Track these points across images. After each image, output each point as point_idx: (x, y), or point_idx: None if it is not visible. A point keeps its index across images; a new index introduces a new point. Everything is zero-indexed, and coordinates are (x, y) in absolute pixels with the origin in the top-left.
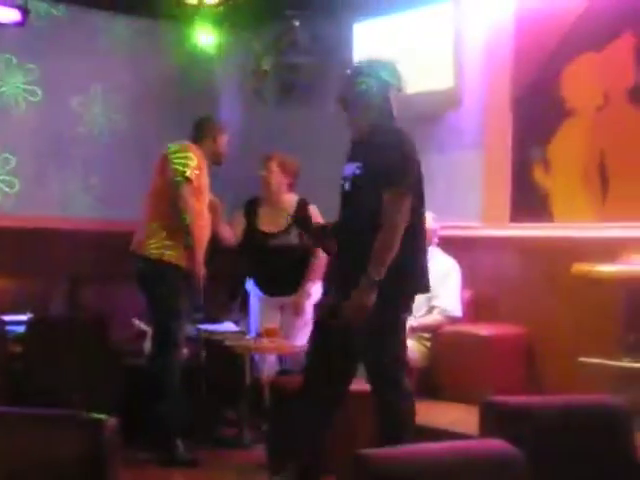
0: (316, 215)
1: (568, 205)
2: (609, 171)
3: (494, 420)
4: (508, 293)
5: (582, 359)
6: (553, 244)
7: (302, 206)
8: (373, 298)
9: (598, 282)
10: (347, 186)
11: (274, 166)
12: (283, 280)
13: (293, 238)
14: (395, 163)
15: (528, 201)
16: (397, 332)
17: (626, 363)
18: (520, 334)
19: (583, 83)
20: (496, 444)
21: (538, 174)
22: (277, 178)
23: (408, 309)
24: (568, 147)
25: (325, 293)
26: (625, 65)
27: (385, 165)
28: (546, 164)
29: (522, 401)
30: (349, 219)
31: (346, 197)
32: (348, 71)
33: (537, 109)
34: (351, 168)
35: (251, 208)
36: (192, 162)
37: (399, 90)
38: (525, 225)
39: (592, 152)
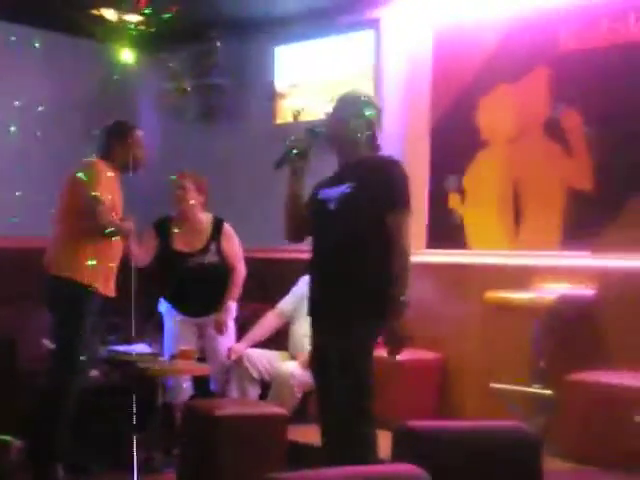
0: (230, 234)
1: (482, 233)
2: (522, 201)
3: (406, 445)
4: (423, 318)
5: (494, 385)
6: (467, 271)
7: (217, 224)
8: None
9: (510, 309)
10: (332, 205)
11: (190, 184)
12: (202, 300)
13: (211, 256)
14: (398, 183)
15: (444, 229)
16: (371, 359)
17: (536, 389)
18: (434, 359)
19: (498, 114)
20: (407, 468)
21: (454, 202)
22: (193, 196)
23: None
24: (483, 177)
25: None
26: (539, 98)
27: (387, 185)
28: (462, 193)
29: (434, 426)
30: (339, 238)
31: (330, 217)
32: (331, 110)
33: (454, 139)
34: (339, 189)
35: (164, 227)
36: (100, 181)
37: (380, 125)
38: (440, 252)
39: (506, 182)
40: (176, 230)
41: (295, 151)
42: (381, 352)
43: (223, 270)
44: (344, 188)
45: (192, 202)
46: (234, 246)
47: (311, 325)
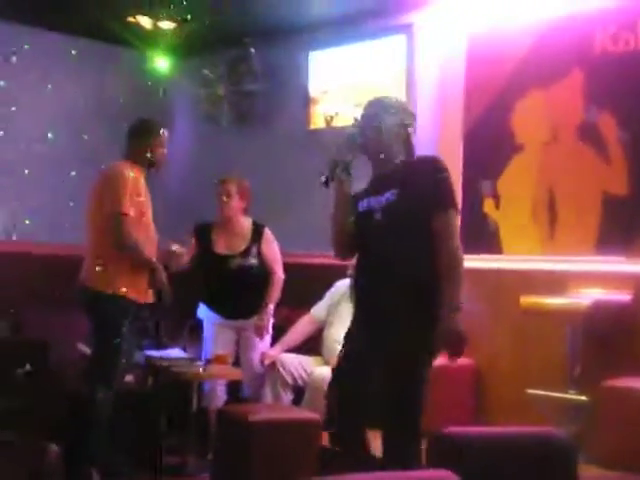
0: (270, 239)
1: (517, 238)
2: (558, 206)
3: (441, 451)
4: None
5: (529, 391)
6: (502, 276)
7: (257, 229)
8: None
9: (545, 314)
10: (378, 216)
11: (233, 190)
12: (243, 302)
13: (252, 259)
14: (442, 183)
15: (478, 234)
16: (428, 369)
17: (571, 395)
18: (468, 365)
19: (532, 118)
20: (443, 475)
21: (488, 207)
22: (236, 202)
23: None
24: (518, 181)
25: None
26: (574, 101)
27: (432, 186)
28: (496, 198)
29: (469, 433)
30: (389, 248)
31: (378, 227)
32: (363, 117)
33: (488, 143)
34: (383, 197)
35: (204, 232)
36: (125, 190)
37: (414, 129)
38: (475, 257)
39: (541, 187)
40: (216, 235)
41: (341, 165)
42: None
43: (263, 273)
44: (388, 196)
45: (233, 207)
46: (274, 250)
47: (358, 336)
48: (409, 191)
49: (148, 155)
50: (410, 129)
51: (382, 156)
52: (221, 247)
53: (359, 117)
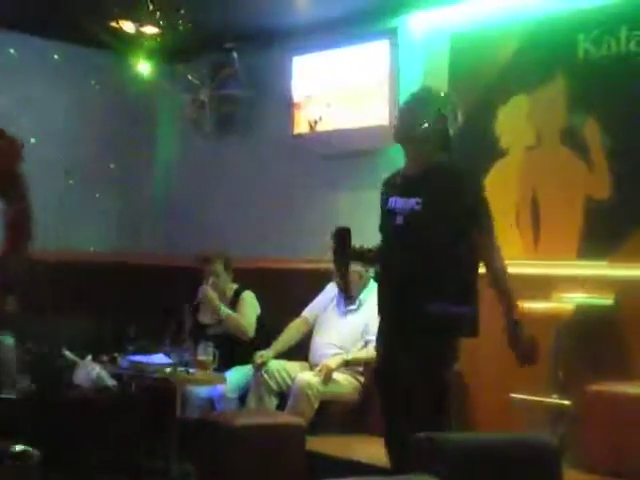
0: (245, 302)
1: (500, 243)
2: (541, 210)
3: (424, 456)
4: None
5: (513, 395)
6: (485, 280)
7: (237, 294)
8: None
9: (528, 319)
10: (400, 220)
11: (220, 269)
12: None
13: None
14: (478, 199)
15: None
16: (450, 375)
17: (555, 400)
18: (453, 370)
19: (516, 123)
20: None
21: None
22: (224, 279)
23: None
24: (501, 186)
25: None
26: (557, 107)
27: (469, 205)
28: None
29: (452, 437)
30: (406, 256)
31: (398, 232)
32: (409, 105)
33: (471, 148)
34: (409, 203)
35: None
36: None
37: (458, 125)
38: None
39: (524, 191)
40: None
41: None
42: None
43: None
44: (413, 204)
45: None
46: (243, 312)
47: (383, 340)
48: (435, 203)
49: None
50: (450, 123)
51: (415, 150)
52: (203, 316)
53: (402, 108)
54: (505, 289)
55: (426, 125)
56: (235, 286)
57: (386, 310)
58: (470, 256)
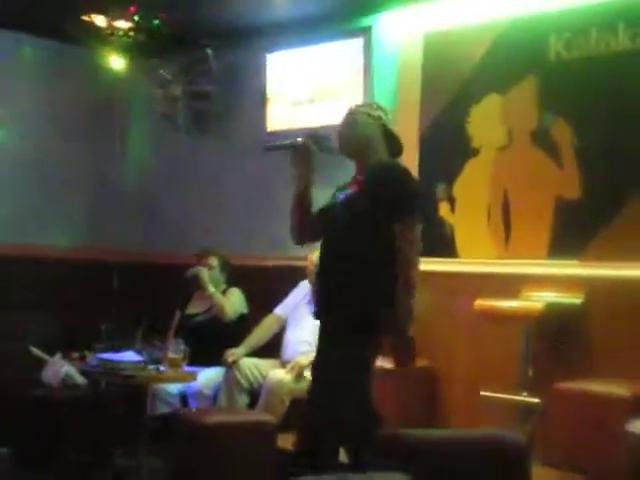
0: (238, 295)
1: (472, 242)
2: (512, 210)
3: (393, 452)
4: (413, 327)
5: (483, 393)
6: (456, 279)
7: (227, 289)
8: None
9: (499, 317)
10: (337, 210)
11: (215, 262)
12: (198, 353)
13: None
14: (406, 192)
15: (433, 237)
16: (367, 374)
17: (524, 397)
18: (424, 367)
19: (488, 123)
20: (394, 477)
21: (443, 211)
22: (216, 272)
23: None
24: (473, 185)
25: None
26: (528, 107)
27: (396, 193)
28: (451, 201)
29: (421, 434)
30: (339, 245)
31: (335, 222)
32: (346, 119)
33: (443, 147)
34: (345, 194)
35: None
36: None
37: (392, 128)
38: (430, 260)
39: (496, 191)
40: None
41: (298, 146)
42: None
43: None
44: (348, 194)
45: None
46: (230, 298)
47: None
48: (366, 192)
49: None
50: (387, 127)
51: (359, 157)
52: (192, 307)
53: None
54: (404, 286)
55: (359, 135)
56: (225, 285)
57: (320, 303)
58: (391, 253)
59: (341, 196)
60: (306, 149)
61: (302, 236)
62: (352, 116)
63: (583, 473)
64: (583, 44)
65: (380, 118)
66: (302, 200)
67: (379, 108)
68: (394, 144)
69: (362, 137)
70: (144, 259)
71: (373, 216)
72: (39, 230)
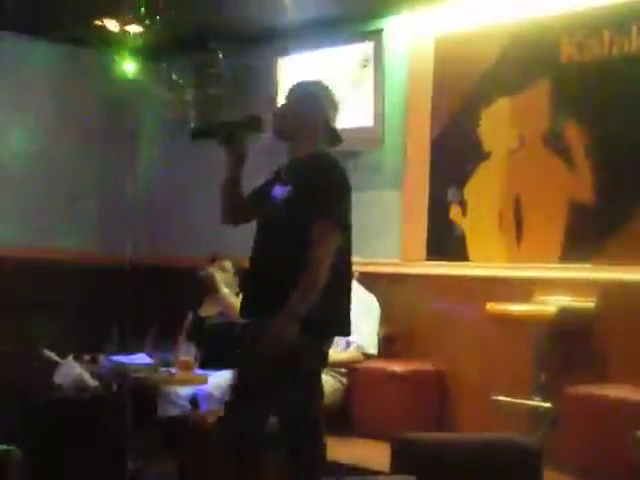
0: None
1: (483, 245)
2: (524, 213)
3: (405, 457)
4: (423, 330)
5: (495, 397)
6: (468, 283)
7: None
8: (292, 334)
9: (511, 321)
10: (272, 208)
11: (229, 266)
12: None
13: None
14: (327, 191)
15: (444, 240)
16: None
17: (536, 402)
18: (434, 371)
19: (499, 126)
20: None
21: (455, 214)
22: (229, 276)
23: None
24: (484, 189)
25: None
26: (540, 110)
27: (316, 192)
28: (463, 205)
29: (433, 438)
30: (270, 243)
31: (268, 218)
32: (286, 100)
33: (455, 150)
34: (283, 190)
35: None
36: None
37: (336, 115)
38: (441, 264)
39: (507, 194)
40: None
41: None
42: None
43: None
44: (282, 188)
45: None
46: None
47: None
48: (296, 190)
49: None
50: (331, 114)
51: (297, 143)
52: (205, 310)
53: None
54: (301, 286)
55: (298, 119)
56: (238, 289)
57: (250, 300)
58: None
59: (276, 186)
60: (237, 130)
61: (235, 219)
62: (299, 100)
63: (595, 478)
64: (595, 46)
65: (323, 106)
66: (235, 185)
67: (327, 97)
68: (332, 134)
69: (307, 122)
70: (155, 262)
71: (302, 215)
72: (51, 233)
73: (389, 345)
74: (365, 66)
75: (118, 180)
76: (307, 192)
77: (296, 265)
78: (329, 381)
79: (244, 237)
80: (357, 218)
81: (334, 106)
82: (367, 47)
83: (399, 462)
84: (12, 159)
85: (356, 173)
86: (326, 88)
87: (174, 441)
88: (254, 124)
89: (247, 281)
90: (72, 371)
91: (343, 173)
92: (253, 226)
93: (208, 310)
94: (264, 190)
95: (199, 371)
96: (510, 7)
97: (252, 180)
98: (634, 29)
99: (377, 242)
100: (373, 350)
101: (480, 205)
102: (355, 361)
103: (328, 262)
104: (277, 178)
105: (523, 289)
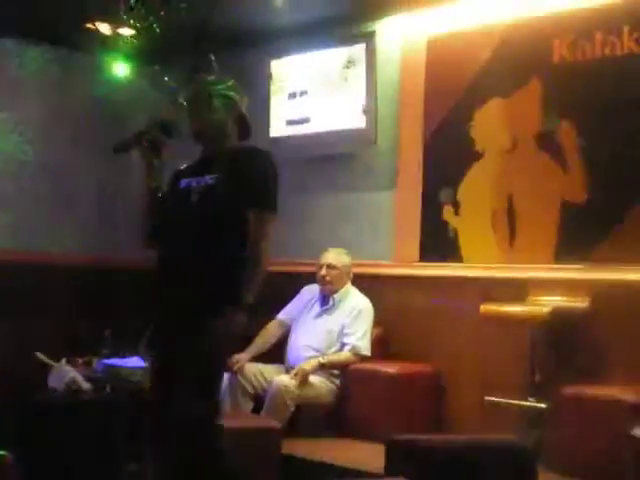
0: None
1: (477, 245)
2: (517, 213)
3: (399, 458)
4: (417, 331)
5: (489, 398)
6: (461, 283)
7: None
8: (243, 324)
9: (505, 322)
10: (194, 198)
11: None
12: None
13: None
14: (265, 179)
15: (437, 241)
16: (223, 359)
17: (531, 402)
18: (428, 372)
19: (492, 127)
20: None
21: (448, 215)
22: None
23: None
24: (477, 189)
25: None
26: (533, 110)
27: (254, 180)
28: (456, 205)
29: (427, 440)
30: (198, 233)
31: (191, 209)
32: (190, 98)
33: (448, 151)
34: (203, 180)
35: None
36: None
37: (246, 107)
38: (434, 264)
39: (500, 195)
40: None
41: (146, 139)
42: None
43: None
44: (208, 179)
45: None
46: None
47: (160, 327)
48: (229, 179)
49: None
50: (242, 111)
51: (212, 141)
52: None
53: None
54: (248, 278)
55: (218, 120)
56: None
57: (167, 294)
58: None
59: (195, 182)
60: (155, 138)
61: (157, 236)
62: (209, 99)
63: (589, 478)
64: (587, 47)
65: (235, 101)
66: (154, 198)
67: (234, 88)
68: (244, 127)
69: (221, 122)
70: (149, 265)
71: (234, 204)
72: (46, 237)
73: (383, 346)
74: (348, 67)
75: (113, 184)
76: (243, 183)
77: (223, 258)
78: (323, 382)
79: None
80: (350, 219)
81: (243, 99)
82: (360, 49)
83: (393, 464)
84: (4, 163)
85: (349, 174)
86: (229, 83)
87: (169, 444)
88: (165, 129)
89: (164, 281)
90: (66, 374)
91: (274, 162)
92: None
93: None
94: (172, 191)
95: None
96: (502, 8)
97: None
98: (626, 30)
99: (370, 243)
100: (367, 352)
101: (473, 206)
102: (349, 363)
103: (269, 250)
104: (189, 171)
105: (517, 289)
